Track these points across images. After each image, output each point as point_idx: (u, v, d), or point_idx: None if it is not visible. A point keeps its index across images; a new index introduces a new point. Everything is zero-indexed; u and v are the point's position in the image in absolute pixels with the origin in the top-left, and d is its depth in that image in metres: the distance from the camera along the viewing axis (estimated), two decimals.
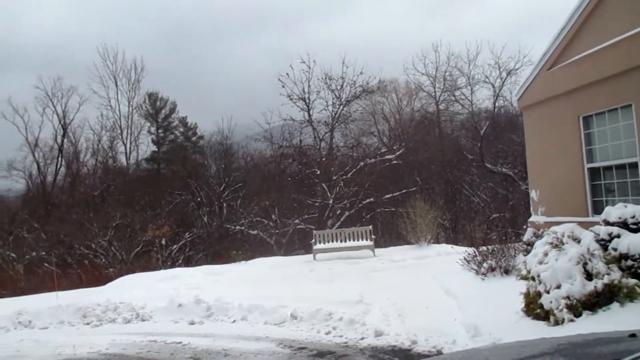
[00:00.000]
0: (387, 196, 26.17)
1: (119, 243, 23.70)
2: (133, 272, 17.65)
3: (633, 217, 6.94)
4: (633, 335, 1.61)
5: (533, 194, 11.82)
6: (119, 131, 37.56)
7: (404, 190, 25.68)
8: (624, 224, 6.99)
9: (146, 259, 22.69)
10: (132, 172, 37.91)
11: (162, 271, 16.37)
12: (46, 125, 35.89)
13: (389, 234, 25.02)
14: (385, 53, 47.46)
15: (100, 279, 18.54)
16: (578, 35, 9.97)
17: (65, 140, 36.39)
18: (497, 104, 30.78)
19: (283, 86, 26.94)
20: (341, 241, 16.77)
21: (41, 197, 34.42)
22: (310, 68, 27.02)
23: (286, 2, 59.99)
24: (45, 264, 21.82)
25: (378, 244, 17.70)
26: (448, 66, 32.62)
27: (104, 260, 23.29)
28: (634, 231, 6.80)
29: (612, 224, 7.11)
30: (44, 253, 23.34)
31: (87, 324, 10.09)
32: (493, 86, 30.60)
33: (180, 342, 8.28)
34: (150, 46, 52.69)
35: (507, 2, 50.74)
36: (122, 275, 16.92)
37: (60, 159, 36.17)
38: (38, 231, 26.17)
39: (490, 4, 52.18)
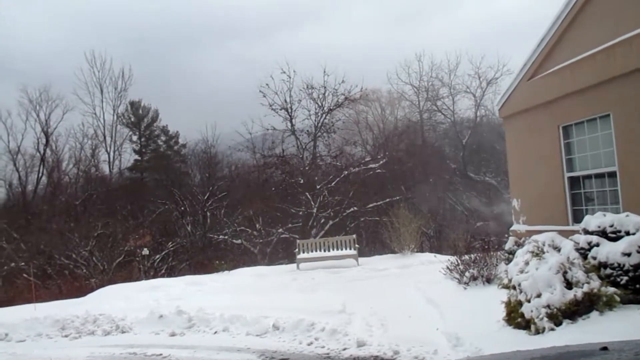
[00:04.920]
0: (371, 205, 26.22)
1: (101, 253, 23.40)
2: (114, 282, 17.43)
3: (612, 225, 7.00)
4: (605, 349, 1.61)
5: (515, 203, 11.91)
6: (102, 139, 37.26)
7: (388, 199, 25.74)
8: (603, 233, 7.05)
9: (128, 270, 22.44)
10: (114, 181, 37.50)
11: (143, 282, 16.19)
12: (29, 133, 35.48)
13: (373, 242, 25.07)
14: (366, 63, 47.78)
15: (80, 289, 18.29)
16: (557, 46, 10.12)
17: (48, 148, 35.98)
18: (478, 114, 31.12)
19: (264, 96, 26.93)
20: (325, 250, 16.73)
21: (21, 206, 33.84)
22: (290, 77, 27.05)
23: (265, 13, 60.24)
24: (25, 275, 21.44)
25: (362, 253, 17.68)
26: (430, 77, 32.86)
27: (84, 270, 22.99)
28: (613, 240, 6.86)
29: (592, 233, 7.17)
30: (23, 264, 22.94)
31: (66, 336, 9.89)
32: (474, 96, 30.94)
33: (160, 354, 8.17)
34: (131, 54, 52.38)
35: (482, 13, 51.47)
36: (103, 286, 16.70)
37: (41, 167, 35.69)
38: (17, 241, 25.74)
39: (466, 15, 52.86)
